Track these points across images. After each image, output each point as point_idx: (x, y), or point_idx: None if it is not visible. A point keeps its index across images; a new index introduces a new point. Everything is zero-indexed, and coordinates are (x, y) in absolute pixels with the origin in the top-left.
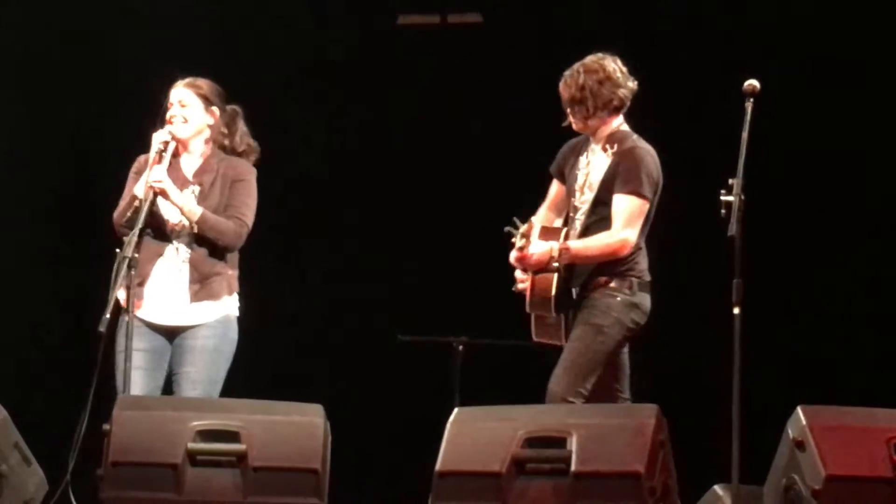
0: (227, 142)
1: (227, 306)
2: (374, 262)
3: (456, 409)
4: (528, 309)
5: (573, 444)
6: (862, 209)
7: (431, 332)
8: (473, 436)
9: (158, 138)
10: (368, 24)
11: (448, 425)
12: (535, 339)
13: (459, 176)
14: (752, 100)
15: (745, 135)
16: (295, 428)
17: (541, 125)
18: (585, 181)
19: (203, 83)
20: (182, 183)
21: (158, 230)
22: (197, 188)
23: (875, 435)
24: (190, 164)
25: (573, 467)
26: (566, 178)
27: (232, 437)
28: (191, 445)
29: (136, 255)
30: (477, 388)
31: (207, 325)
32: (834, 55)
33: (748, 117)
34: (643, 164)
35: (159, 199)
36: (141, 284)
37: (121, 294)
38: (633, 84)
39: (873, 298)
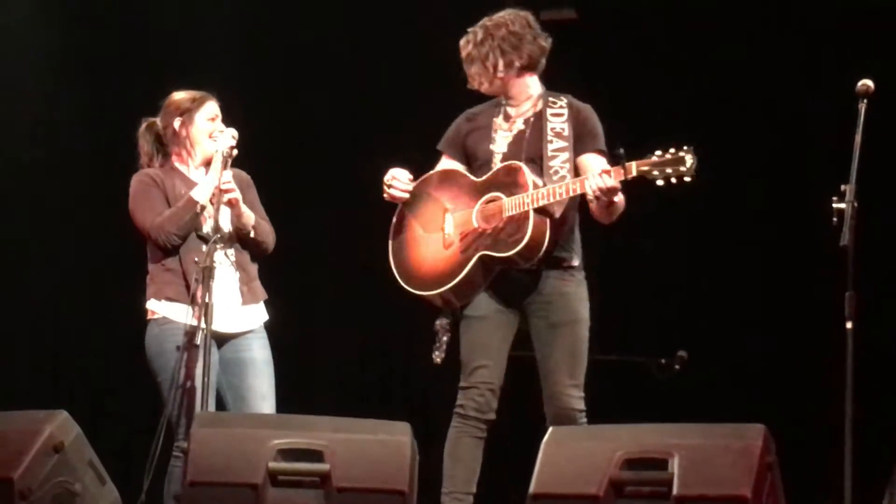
0: None
1: (265, 310)
2: None
3: (551, 429)
4: (501, 251)
5: (675, 465)
6: None
7: (523, 348)
8: (569, 457)
9: (224, 144)
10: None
11: (542, 445)
12: (440, 290)
13: None
14: (865, 101)
15: (857, 138)
16: (381, 447)
17: (634, 119)
18: (545, 130)
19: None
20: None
21: (198, 237)
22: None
23: None
24: (196, 173)
25: (675, 491)
26: (472, 149)
27: (315, 456)
28: (272, 465)
29: (215, 265)
30: None
31: (256, 333)
32: None
33: (861, 119)
34: (599, 123)
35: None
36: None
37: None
38: (544, 42)
39: None
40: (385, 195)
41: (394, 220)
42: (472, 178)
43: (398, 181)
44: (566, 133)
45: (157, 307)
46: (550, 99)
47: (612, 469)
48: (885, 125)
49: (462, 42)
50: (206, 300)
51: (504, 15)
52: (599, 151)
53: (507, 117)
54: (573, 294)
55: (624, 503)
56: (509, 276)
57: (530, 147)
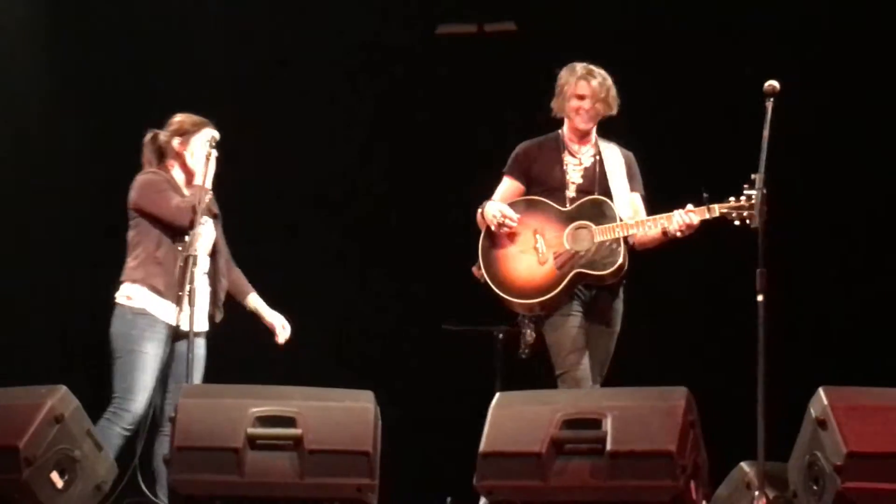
0: None
1: None
2: (421, 259)
3: (497, 394)
4: (596, 270)
5: (608, 425)
6: (880, 201)
7: (474, 322)
8: (514, 419)
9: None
10: (408, 34)
11: (490, 409)
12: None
13: (498, 180)
14: (772, 99)
15: (766, 132)
16: (347, 413)
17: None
18: (599, 169)
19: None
20: None
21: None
22: None
23: (892, 413)
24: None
25: (608, 447)
26: (539, 176)
27: (289, 422)
28: (251, 430)
29: (197, 253)
30: (517, 373)
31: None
32: (848, 55)
33: (769, 116)
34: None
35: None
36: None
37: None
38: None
39: (892, 284)
40: (494, 229)
41: (482, 240)
42: (558, 207)
43: (509, 219)
44: (624, 175)
45: (137, 294)
46: (603, 144)
47: (553, 429)
48: (789, 120)
49: (593, 81)
50: (189, 285)
51: (606, 73)
52: (641, 193)
53: (573, 154)
54: (621, 309)
55: (564, 459)
56: (584, 287)
57: (600, 183)
